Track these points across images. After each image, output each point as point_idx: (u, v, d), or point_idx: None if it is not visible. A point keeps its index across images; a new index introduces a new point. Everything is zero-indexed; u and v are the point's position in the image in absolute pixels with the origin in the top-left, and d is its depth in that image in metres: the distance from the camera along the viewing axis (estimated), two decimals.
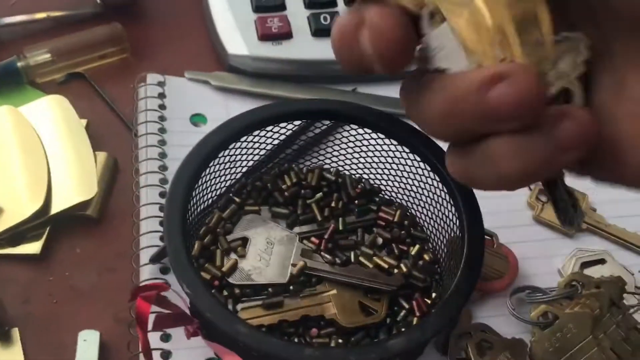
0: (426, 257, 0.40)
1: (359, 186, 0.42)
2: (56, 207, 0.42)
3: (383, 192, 0.43)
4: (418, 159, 0.39)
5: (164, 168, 0.45)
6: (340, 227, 0.40)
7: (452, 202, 0.37)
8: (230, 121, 0.38)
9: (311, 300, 0.36)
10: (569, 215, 0.24)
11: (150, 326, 0.33)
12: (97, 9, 0.54)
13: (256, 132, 0.39)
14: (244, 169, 0.41)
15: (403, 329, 0.37)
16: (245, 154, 0.40)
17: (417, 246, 0.40)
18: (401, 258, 0.40)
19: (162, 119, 0.47)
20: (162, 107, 0.48)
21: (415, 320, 0.37)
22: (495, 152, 0.22)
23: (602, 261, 0.43)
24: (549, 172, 0.23)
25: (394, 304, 0.38)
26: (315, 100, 0.42)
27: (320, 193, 0.41)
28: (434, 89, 0.23)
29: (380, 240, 0.41)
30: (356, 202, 0.42)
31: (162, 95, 0.48)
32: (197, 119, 0.48)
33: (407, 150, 0.39)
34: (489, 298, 0.41)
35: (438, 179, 0.38)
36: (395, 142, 0.39)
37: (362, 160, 0.43)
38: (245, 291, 0.37)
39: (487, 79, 0.21)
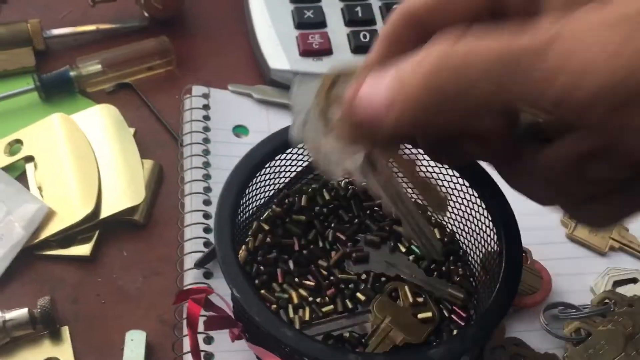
0: (462, 271, 0.41)
1: None
2: (106, 212, 0.44)
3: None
4: (457, 174, 0.40)
5: (207, 177, 0.46)
6: (403, 250, 0.42)
7: (490, 218, 0.38)
8: (276, 134, 0.39)
9: (378, 338, 0.37)
10: None
11: (200, 328, 0.34)
12: (144, 22, 0.56)
13: (300, 145, 0.40)
14: (286, 180, 0.43)
15: (438, 340, 0.38)
16: (289, 165, 0.41)
17: (454, 261, 0.41)
18: (441, 271, 0.41)
19: (206, 129, 0.49)
20: (207, 118, 0.49)
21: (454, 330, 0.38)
22: None
23: (634, 280, 0.44)
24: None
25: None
26: None
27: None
28: None
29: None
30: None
31: (206, 107, 0.50)
32: (239, 130, 0.50)
33: (445, 165, 0.40)
34: (523, 313, 0.42)
35: (476, 195, 0.39)
36: None
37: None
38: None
39: None
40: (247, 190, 0.38)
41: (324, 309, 0.39)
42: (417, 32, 0.25)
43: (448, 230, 0.43)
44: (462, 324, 0.39)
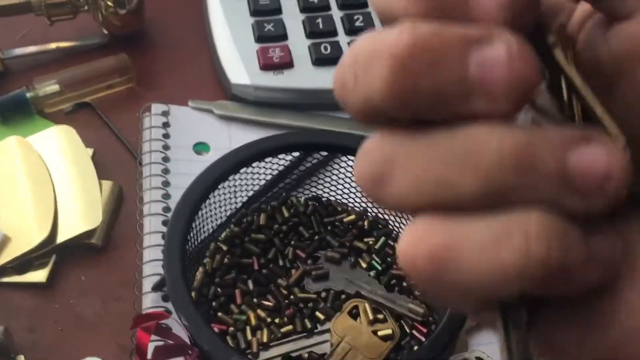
0: None
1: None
2: (62, 236, 0.43)
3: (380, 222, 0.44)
4: None
5: (167, 196, 0.46)
6: (364, 265, 0.41)
7: None
8: (229, 154, 0.39)
9: (337, 358, 0.37)
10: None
11: (149, 357, 0.34)
12: (104, 39, 0.55)
13: (255, 164, 0.40)
14: (244, 199, 0.42)
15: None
16: (245, 184, 0.41)
17: None
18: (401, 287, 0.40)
19: (165, 147, 0.48)
20: (166, 136, 0.49)
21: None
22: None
23: None
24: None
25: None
26: (312, 132, 0.43)
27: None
28: None
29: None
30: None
31: (166, 125, 0.49)
32: (200, 148, 0.49)
33: None
34: (485, 325, 0.42)
35: None
36: None
37: (360, 189, 0.43)
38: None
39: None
40: (200, 213, 0.37)
41: (282, 330, 0.38)
42: None
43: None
44: (423, 339, 0.39)
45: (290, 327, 0.38)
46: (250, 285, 0.40)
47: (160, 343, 0.36)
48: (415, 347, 0.38)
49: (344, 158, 0.42)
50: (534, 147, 0.15)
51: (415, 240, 0.16)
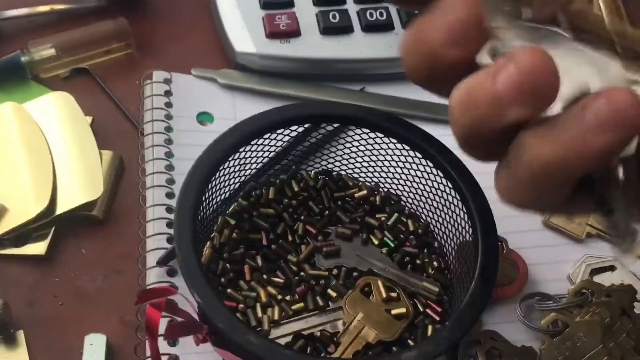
0: (436, 263, 0.40)
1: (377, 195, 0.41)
2: (61, 207, 0.41)
3: (392, 197, 0.43)
4: (430, 164, 0.38)
5: (170, 168, 0.44)
6: (376, 242, 0.40)
7: (464, 209, 0.36)
8: (239, 125, 0.37)
9: (350, 336, 0.36)
10: (623, 230, 0.21)
11: (160, 334, 0.32)
12: (101, 3, 0.53)
13: (266, 135, 0.38)
14: (252, 172, 0.41)
15: (412, 344, 0.36)
16: (255, 156, 0.39)
17: (429, 253, 0.40)
18: (415, 264, 0.39)
19: (168, 117, 0.46)
20: (169, 105, 0.47)
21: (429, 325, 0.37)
22: (525, 143, 0.21)
23: (612, 268, 0.43)
24: (587, 160, 0.20)
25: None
26: (324, 103, 0.42)
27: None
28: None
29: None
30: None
31: (168, 93, 0.47)
32: (203, 118, 0.48)
33: (420, 155, 0.38)
34: (499, 304, 0.41)
35: (451, 186, 0.37)
36: (407, 147, 0.39)
37: (371, 164, 0.42)
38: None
39: (497, 67, 0.21)
40: (209, 186, 0.36)
41: (293, 307, 0.37)
42: None
43: (422, 221, 0.42)
44: (437, 318, 0.38)
45: (301, 304, 0.37)
46: (259, 261, 0.39)
47: (167, 319, 0.35)
48: (436, 326, 0.37)
49: (357, 131, 0.40)
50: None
51: None
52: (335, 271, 0.39)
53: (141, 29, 0.51)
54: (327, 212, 0.41)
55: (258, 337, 0.29)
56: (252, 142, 0.38)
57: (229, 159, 0.37)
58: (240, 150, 0.37)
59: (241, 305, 0.37)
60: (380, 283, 0.38)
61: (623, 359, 0.37)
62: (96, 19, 0.51)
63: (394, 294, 0.38)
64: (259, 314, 0.37)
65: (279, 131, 0.38)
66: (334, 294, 0.38)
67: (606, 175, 0.21)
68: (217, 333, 0.34)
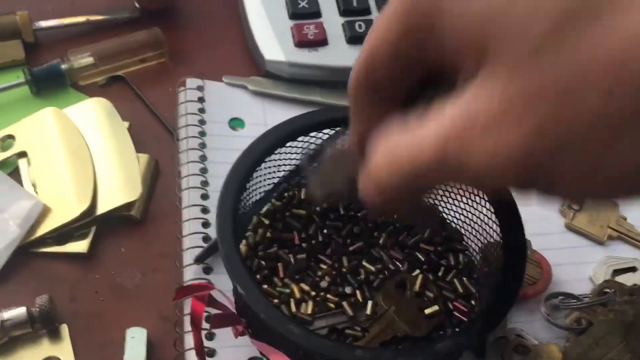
0: (463, 263, 0.41)
1: None
2: (102, 208, 0.43)
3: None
4: None
5: (204, 170, 0.46)
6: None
7: (492, 210, 0.38)
8: (274, 128, 0.39)
9: (379, 326, 0.37)
10: None
11: (204, 325, 0.34)
12: (135, 13, 0.55)
13: (299, 138, 0.40)
14: (285, 174, 0.42)
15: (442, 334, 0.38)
16: (288, 159, 0.41)
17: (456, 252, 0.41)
18: (438, 264, 0.41)
19: (202, 122, 0.48)
20: (202, 110, 0.49)
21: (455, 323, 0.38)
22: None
23: (633, 269, 0.44)
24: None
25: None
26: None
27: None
28: None
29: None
30: None
31: (201, 100, 0.49)
32: (235, 123, 0.49)
33: None
34: (524, 303, 0.42)
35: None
36: None
37: None
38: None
39: None
40: (246, 186, 0.37)
41: (327, 303, 0.38)
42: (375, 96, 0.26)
43: (448, 221, 0.43)
44: (463, 318, 0.39)
45: (335, 299, 0.38)
46: (292, 259, 0.40)
47: (204, 315, 0.36)
48: (459, 324, 0.38)
49: None
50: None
51: None
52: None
53: (173, 39, 0.53)
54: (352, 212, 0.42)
55: (299, 327, 0.31)
56: (287, 144, 0.39)
57: (265, 161, 0.38)
58: (275, 152, 0.39)
59: (276, 301, 0.38)
60: (417, 280, 0.39)
61: None
62: (129, 30, 0.53)
63: (427, 292, 0.39)
64: (293, 309, 0.38)
65: (313, 134, 0.40)
66: (366, 291, 0.39)
67: None
68: (255, 326, 0.35)
